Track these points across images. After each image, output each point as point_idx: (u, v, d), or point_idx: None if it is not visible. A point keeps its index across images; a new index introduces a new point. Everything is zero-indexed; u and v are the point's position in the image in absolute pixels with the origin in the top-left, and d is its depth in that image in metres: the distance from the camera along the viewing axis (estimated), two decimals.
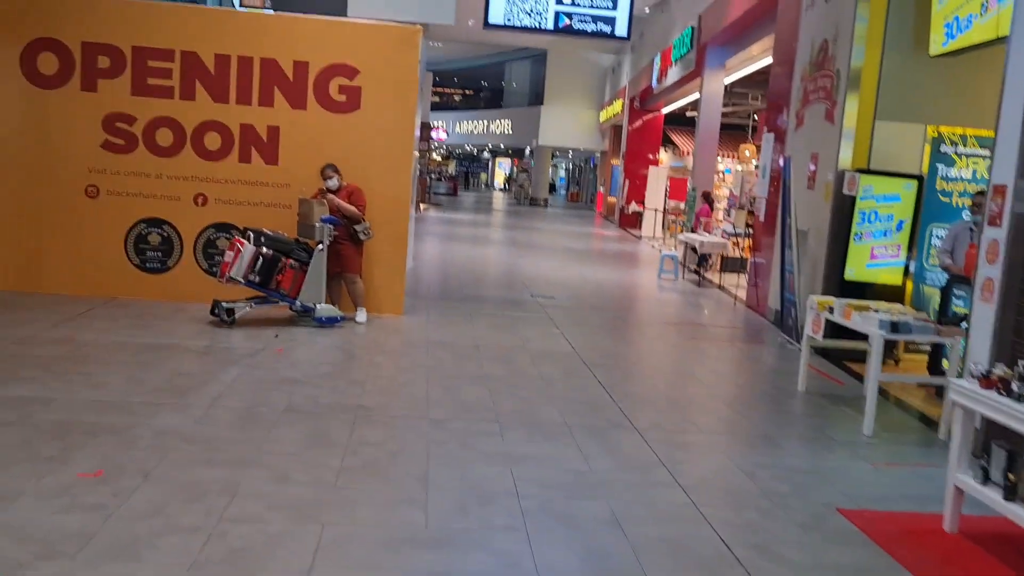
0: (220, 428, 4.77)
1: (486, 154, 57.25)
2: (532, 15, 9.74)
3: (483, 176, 60.21)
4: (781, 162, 9.84)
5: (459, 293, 10.60)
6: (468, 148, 51.29)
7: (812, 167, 8.82)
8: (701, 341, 8.68)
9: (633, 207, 24.41)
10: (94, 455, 4.20)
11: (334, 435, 4.80)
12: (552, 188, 41.56)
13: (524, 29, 9.88)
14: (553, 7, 9.82)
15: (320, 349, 6.95)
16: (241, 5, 9.39)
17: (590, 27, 9.84)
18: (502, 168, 57.05)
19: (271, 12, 9.22)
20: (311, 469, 4.25)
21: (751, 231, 12.80)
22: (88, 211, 8.14)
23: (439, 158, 48.94)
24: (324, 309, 7.66)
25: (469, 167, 58.32)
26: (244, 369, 6.08)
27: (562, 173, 52.93)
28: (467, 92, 43.36)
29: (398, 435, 4.92)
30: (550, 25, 9.82)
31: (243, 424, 4.87)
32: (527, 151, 43.72)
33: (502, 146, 45.10)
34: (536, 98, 35.47)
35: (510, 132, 38.37)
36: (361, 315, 8.05)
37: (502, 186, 55.66)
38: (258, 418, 5.00)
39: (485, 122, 40.32)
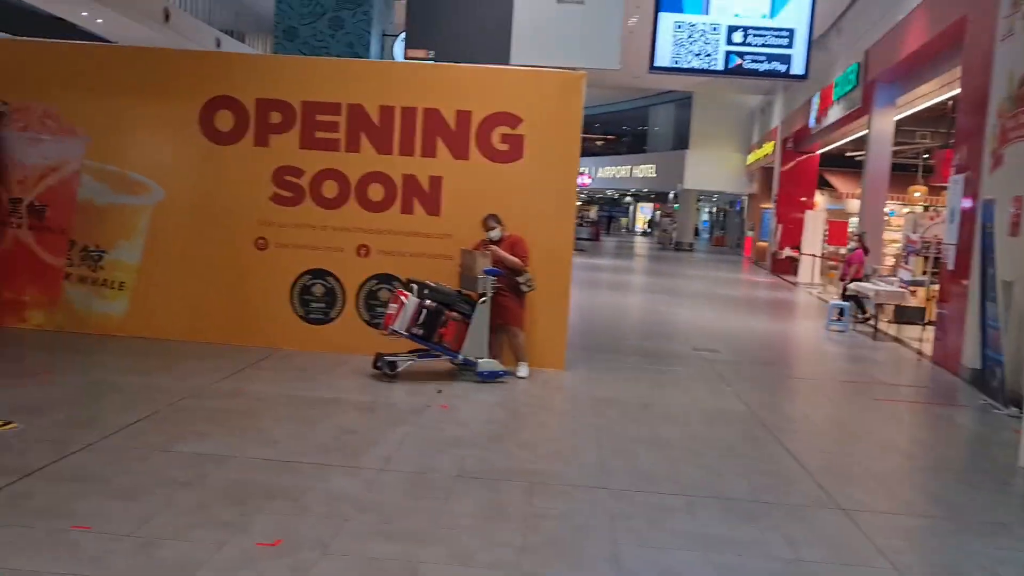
0: (393, 495, 4.54)
1: (627, 198, 56.81)
2: (701, 56, 9.35)
3: (623, 221, 59.74)
4: (974, 205, 8.99)
5: (617, 345, 10.20)
6: (609, 193, 51.04)
7: (1016, 211, 7.97)
8: (889, 402, 7.91)
9: (787, 252, 23.36)
10: (271, 522, 4.04)
11: (511, 506, 4.48)
12: (695, 232, 40.63)
13: (692, 71, 9.50)
14: (724, 47, 9.39)
15: (484, 406, 6.70)
16: (405, 57, 9.47)
17: (763, 66, 9.36)
18: (643, 212, 56.43)
19: (434, 62, 9.25)
20: (492, 546, 3.93)
21: (935, 279, 11.83)
22: (256, 263, 8.28)
23: (580, 203, 48.93)
24: (486, 363, 7.44)
25: (610, 212, 58.03)
26: (411, 428, 5.88)
27: (704, 217, 51.79)
28: (609, 137, 43.20)
29: (578, 507, 4.55)
30: (720, 66, 9.39)
31: (416, 490, 4.63)
32: (671, 195, 43.04)
33: (645, 190, 44.61)
34: (681, 141, 34.91)
35: (654, 176, 37.87)
36: (523, 370, 7.78)
37: (643, 230, 55.00)
38: (430, 484, 4.75)
39: (628, 167, 39.99)
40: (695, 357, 9.48)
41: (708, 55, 9.34)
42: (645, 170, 38.67)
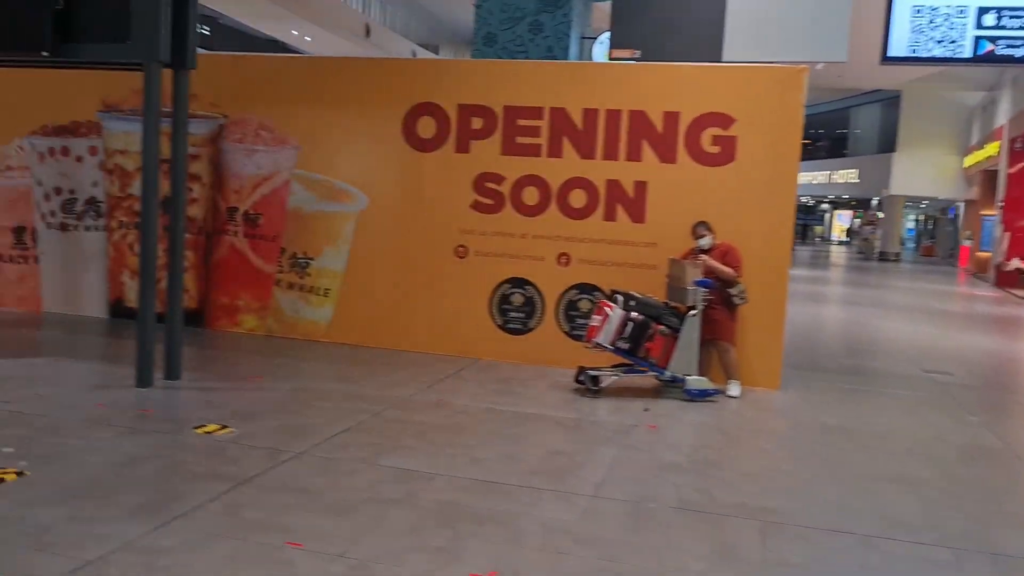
0: (610, 527, 4.15)
1: (824, 205, 53.92)
2: (944, 43, 8.36)
3: (818, 229, 56.72)
4: None
5: (831, 363, 9.36)
6: (804, 200, 48.58)
7: None
8: None
9: (1016, 264, 21.09)
10: (483, 550, 3.76)
11: (743, 548, 3.98)
12: (900, 241, 37.78)
13: (932, 60, 8.53)
14: (972, 32, 8.34)
15: (696, 428, 6.20)
16: (609, 57, 9.12)
17: (1020, 51, 8.24)
18: (840, 220, 53.35)
19: (640, 62, 8.85)
20: None
21: None
22: (457, 271, 8.18)
23: None
24: (695, 381, 6.92)
25: (805, 220, 55.29)
26: (620, 449, 5.48)
27: (909, 224, 48.23)
28: (805, 141, 41.05)
29: (822, 556, 3.98)
30: (968, 53, 8.35)
31: (634, 523, 4.22)
32: (873, 201, 40.31)
33: (845, 196, 42.04)
34: (887, 144, 32.51)
35: (856, 181, 35.56)
36: (734, 388, 7.20)
37: (841, 239, 51.99)
38: (649, 516, 4.32)
39: (827, 172, 37.80)
40: (925, 380, 8.50)
41: (952, 41, 8.31)
42: (846, 175, 36.38)
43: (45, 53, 6.21)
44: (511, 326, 8.11)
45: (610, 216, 7.85)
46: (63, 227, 9.02)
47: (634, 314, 6.88)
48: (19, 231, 9.11)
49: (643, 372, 7.05)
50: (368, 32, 19.19)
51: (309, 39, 18.66)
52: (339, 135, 8.49)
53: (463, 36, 29.26)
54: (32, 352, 7.43)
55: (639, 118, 7.75)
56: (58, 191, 9.01)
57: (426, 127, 8.23)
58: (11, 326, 8.34)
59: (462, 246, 8.17)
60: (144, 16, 6.10)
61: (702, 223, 7.23)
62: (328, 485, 4.47)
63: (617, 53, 8.96)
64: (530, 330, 8.07)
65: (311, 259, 8.52)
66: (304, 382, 6.80)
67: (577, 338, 7.75)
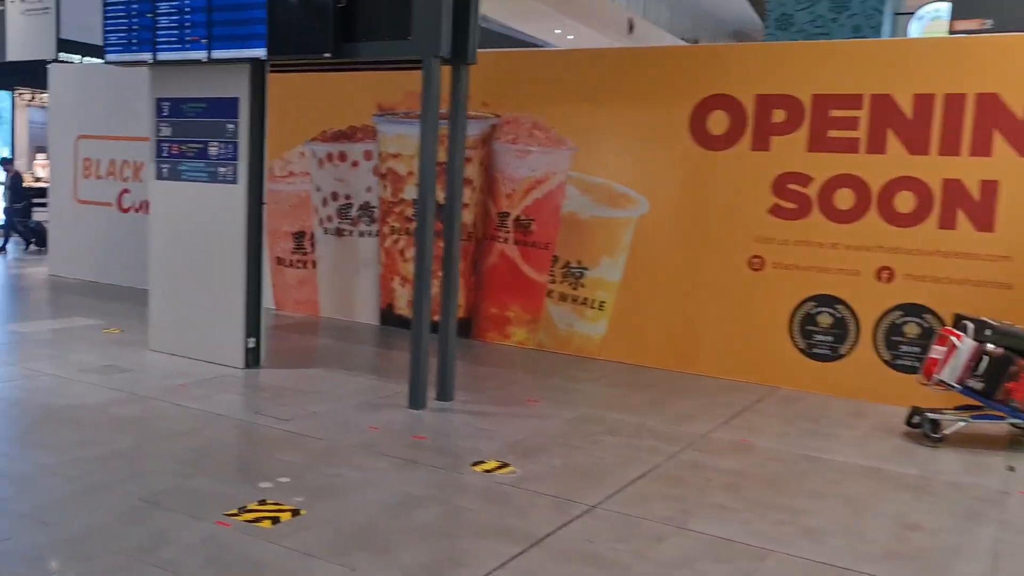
0: None
1: None
2: None
3: None
4: None
5: None
6: None
7: None
8: None
9: None
10: None
11: None
12: None
13: None
14: None
15: None
16: (951, 31, 7.66)
17: None
18: None
19: (992, 33, 7.33)
20: None
21: None
22: (751, 285, 7.13)
23: None
24: None
25: None
26: (998, 528, 4.23)
27: None
28: None
29: None
30: None
31: None
32: None
33: None
34: None
35: None
36: None
37: None
38: None
39: None
40: None
41: None
42: None
43: (327, 54, 5.95)
44: (817, 351, 6.94)
45: (948, 223, 6.46)
46: (339, 232, 8.99)
47: (990, 346, 5.51)
48: (299, 236, 9.20)
49: (1000, 419, 5.65)
50: (631, 27, 18.45)
51: (571, 37, 18.26)
52: (618, 133, 7.71)
53: (723, 30, 27.79)
54: (307, 361, 7.31)
55: (990, 103, 6.30)
56: (335, 196, 8.99)
57: (717, 122, 7.24)
58: (289, 331, 8.35)
59: (757, 257, 7.11)
60: (425, 11, 5.70)
61: None
62: (634, 556, 3.67)
63: (961, 25, 7.47)
64: (841, 356, 6.85)
65: (586, 269, 7.83)
66: (584, 409, 6.08)
67: (902, 370, 6.50)
